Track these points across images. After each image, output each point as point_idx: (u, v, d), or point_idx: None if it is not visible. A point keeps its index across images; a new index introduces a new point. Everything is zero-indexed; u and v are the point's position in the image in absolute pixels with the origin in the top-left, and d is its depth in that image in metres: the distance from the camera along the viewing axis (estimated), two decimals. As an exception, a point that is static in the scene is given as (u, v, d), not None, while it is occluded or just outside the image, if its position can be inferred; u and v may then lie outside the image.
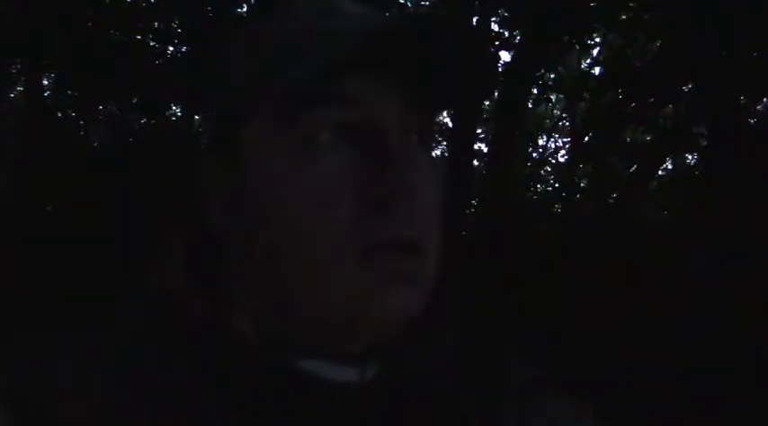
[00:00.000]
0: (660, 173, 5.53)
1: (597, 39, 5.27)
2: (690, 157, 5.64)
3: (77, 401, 0.39)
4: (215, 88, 0.47)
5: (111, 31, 4.99)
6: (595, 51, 5.74)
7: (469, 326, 0.52)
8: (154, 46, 5.21)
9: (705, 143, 4.21)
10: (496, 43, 4.33)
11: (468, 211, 4.47)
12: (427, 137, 0.44)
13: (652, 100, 4.24)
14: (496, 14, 4.48)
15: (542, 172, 7.28)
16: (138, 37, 5.13)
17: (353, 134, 0.40)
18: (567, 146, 7.48)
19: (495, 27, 4.49)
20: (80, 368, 0.40)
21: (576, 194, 5.82)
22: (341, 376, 0.42)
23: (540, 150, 7.34)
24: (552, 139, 7.62)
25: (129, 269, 0.47)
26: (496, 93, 4.72)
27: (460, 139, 4.26)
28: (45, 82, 5.14)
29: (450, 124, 4.46)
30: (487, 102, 5.75)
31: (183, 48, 5.34)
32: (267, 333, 0.42)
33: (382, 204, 0.39)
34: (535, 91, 5.11)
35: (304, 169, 0.40)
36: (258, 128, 0.42)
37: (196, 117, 5.26)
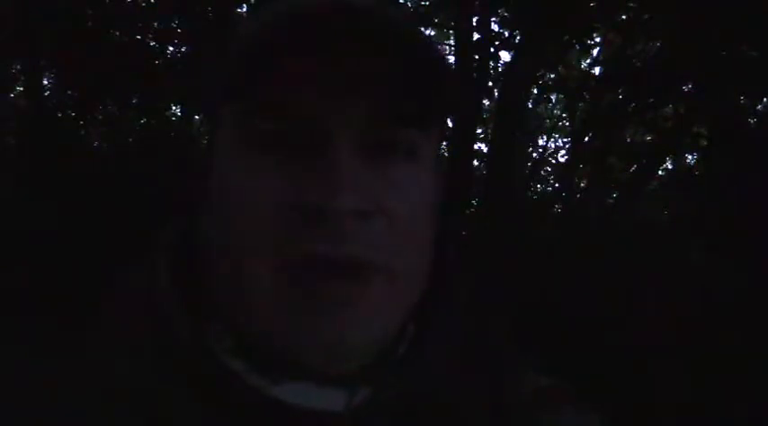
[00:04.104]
0: (660, 173, 5.52)
1: (597, 39, 5.26)
2: (690, 157, 5.63)
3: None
4: (202, 88, 0.47)
5: (111, 31, 4.98)
6: (595, 51, 5.74)
7: (474, 332, 0.49)
8: (154, 46, 5.21)
9: (705, 143, 4.21)
10: (496, 43, 4.32)
11: (468, 211, 4.47)
12: (413, 152, 0.40)
13: (652, 100, 4.23)
14: (496, 14, 4.48)
15: (542, 172, 7.27)
16: (138, 37, 5.13)
17: (296, 143, 0.37)
18: (567, 146, 7.48)
19: (495, 27, 4.50)
20: (51, 398, 0.39)
21: (576, 194, 5.81)
22: (326, 401, 0.39)
23: (541, 150, 7.34)
24: (552, 139, 7.62)
25: (118, 277, 0.45)
26: (497, 93, 4.73)
27: (460, 139, 4.25)
28: (45, 82, 5.14)
29: (451, 124, 4.46)
30: (487, 102, 5.76)
31: (183, 48, 5.33)
32: (250, 352, 0.40)
33: (307, 215, 0.36)
34: (535, 91, 5.11)
35: (238, 176, 0.38)
36: (222, 128, 0.41)
37: (196, 117, 5.26)
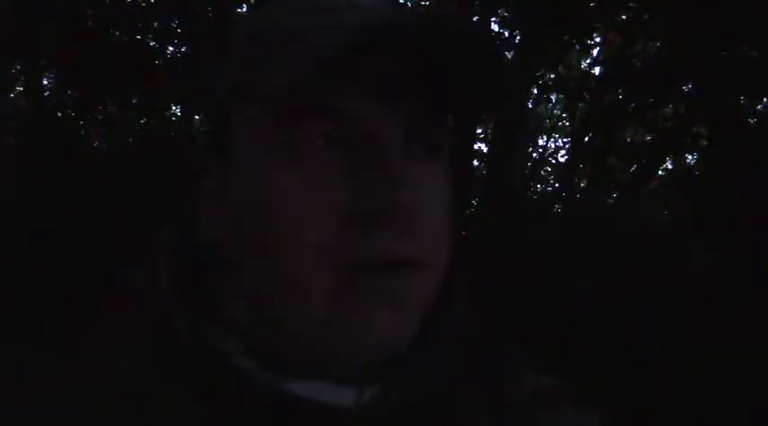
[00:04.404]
0: (660, 173, 5.52)
1: (597, 39, 5.27)
2: (690, 157, 5.64)
3: None
4: (207, 87, 0.46)
5: (111, 31, 4.98)
6: (595, 51, 5.74)
7: (474, 332, 0.49)
8: (154, 46, 5.21)
9: (705, 143, 4.21)
10: (497, 43, 4.32)
11: (468, 211, 4.47)
12: (437, 150, 0.41)
13: (652, 100, 4.24)
14: (496, 14, 4.48)
15: (542, 172, 7.27)
16: (138, 37, 5.13)
17: (345, 144, 0.38)
18: (567, 146, 7.48)
19: (495, 27, 4.50)
20: (50, 398, 0.39)
21: (576, 194, 5.82)
22: (335, 398, 0.40)
23: (541, 150, 7.34)
24: (552, 139, 7.62)
25: (118, 277, 0.45)
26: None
27: (460, 139, 4.25)
28: (45, 82, 5.14)
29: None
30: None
31: (183, 48, 5.33)
32: (258, 351, 0.40)
33: (370, 220, 0.36)
34: (535, 91, 5.11)
35: (287, 178, 0.37)
36: (246, 129, 0.40)
37: (196, 117, 5.26)
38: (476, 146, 5.43)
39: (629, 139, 5.94)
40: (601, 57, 5.88)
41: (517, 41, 4.28)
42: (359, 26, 0.35)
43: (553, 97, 6.24)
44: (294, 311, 0.38)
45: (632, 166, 5.01)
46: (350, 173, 0.37)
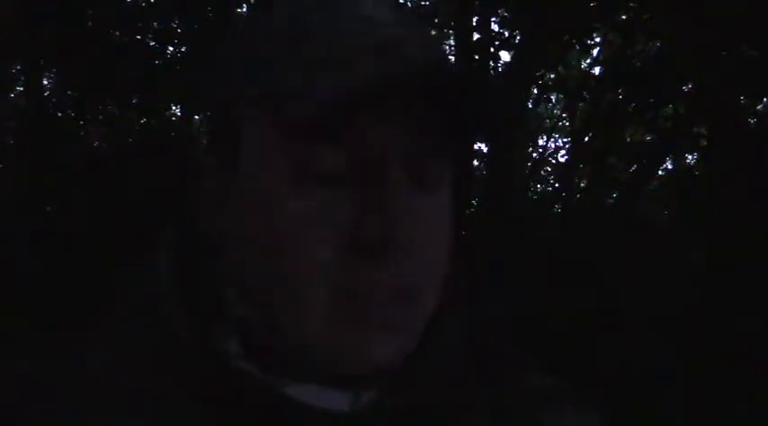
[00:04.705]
0: (660, 172, 5.52)
1: (597, 39, 5.26)
2: (690, 157, 5.64)
3: None
4: (216, 87, 0.45)
5: (111, 31, 4.98)
6: (595, 51, 5.74)
7: (475, 333, 0.49)
8: (154, 46, 5.20)
9: (705, 143, 4.21)
10: (496, 43, 4.32)
11: (468, 211, 4.47)
12: (439, 180, 0.41)
13: (652, 100, 4.23)
14: (496, 14, 4.47)
15: (542, 172, 7.26)
16: (138, 37, 5.13)
17: (348, 172, 0.38)
18: (567, 146, 7.47)
19: (495, 27, 4.49)
20: (51, 398, 0.39)
21: (576, 194, 5.81)
22: (332, 402, 0.40)
23: (541, 150, 7.33)
24: (552, 139, 7.61)
25: (118, 277, 0.45)
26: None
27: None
28: (45, 82, 5.13)
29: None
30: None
31: (183, 48, 5.32)
32: (258, 352, 0.40)
33: (368, 248, 0.37)
34: (535, 91, 5.10)
35: (290, 199, 0.38)
36: (254, 135, 0.40)
37: (196, 117, 5.25)
38: (476, 146, 5.43)
39: (629, 139, 5.93)
40: (601, 57, 5.88)
41: (517, 41, 4.27)
42: (368, 73, 0.36)
43: (553, 97, 6.23)
44: (292, 318, 0.38)
45: (632, 166, 5.00)
46: (351, 200, 0.38)
